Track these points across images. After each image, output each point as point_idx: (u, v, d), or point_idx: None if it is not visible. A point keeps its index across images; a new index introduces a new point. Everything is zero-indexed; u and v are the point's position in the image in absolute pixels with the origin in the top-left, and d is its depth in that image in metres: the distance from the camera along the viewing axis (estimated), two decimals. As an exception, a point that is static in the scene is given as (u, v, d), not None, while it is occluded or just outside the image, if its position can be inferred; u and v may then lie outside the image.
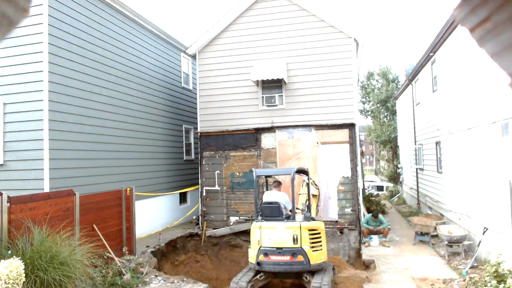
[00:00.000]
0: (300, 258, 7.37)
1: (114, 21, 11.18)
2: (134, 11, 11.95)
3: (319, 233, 7.87)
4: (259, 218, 7.93)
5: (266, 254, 7.44)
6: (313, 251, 7.49)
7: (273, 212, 7.80)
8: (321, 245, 7.79)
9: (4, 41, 8.35)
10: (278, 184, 8.72)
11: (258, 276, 7.68)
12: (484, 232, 8.39)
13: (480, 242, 8.63)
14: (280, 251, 7.41)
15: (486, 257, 8.34)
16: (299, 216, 7.99)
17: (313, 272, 7.53)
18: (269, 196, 8.33)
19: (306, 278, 7.50)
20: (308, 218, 7.88)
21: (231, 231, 12.04)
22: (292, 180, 7.90)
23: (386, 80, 32.74)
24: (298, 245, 7.39)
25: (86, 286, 6.26)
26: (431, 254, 9.80)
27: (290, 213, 7.95)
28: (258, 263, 7.47)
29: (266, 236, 7.52)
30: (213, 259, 12.10)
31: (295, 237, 7.40)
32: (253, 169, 8.91)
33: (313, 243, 7.59)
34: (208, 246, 12.25)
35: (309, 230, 7.61)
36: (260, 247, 7.52)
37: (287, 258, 7.37)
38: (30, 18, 8.47)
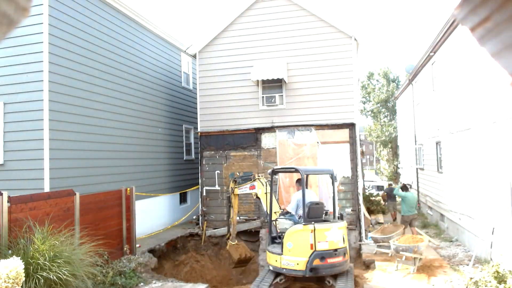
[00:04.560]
0: (347, 257, 7.29)
1: (114, 21, 11.18)
2: (134, 10, 11.95)
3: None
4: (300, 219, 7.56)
5: (322, 258, 7.00)
6: None
7: (319, 213, 7.53)
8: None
9: (4, 41, 8.35)
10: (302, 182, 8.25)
11: (278, 279, 7.38)
12: (492, 232, 8.25)
13: (479, 242, 8.63)
14: (336, 252, 7.13)
15: (487, 257, 8.34)
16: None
17: (335, 276, 7.25)
18: (310, 195, 8.00)
19: (329, 282, 7.19)
20: (342, 217, 7.94)
21: (231, 231, 12.02)
22: (334, 178, 7.91)
23: (386, 80, 32.76)
24: (345, 244, 7.32)
25: (87, 285, 6.26)
26: (431, 254, 9.79)
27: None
28: (312, 269, 6.95)
29: (322, 238, 7.06)
30: (213, 259, 12.10)
31: (343, 236, 7.31)
32: (298, 167, 8.43)
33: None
34: (208, 246, 12.25)
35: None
36: (315, 251, 7.00)
37: (340, 258, 7.14)
38: (30, 18, 8.47)
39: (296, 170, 7.99)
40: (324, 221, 7.47)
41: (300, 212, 7.62)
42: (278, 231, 7.87)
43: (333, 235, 7.15)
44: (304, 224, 7.17)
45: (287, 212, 8.06)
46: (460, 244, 10.45)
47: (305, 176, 7.90)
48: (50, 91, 8.72)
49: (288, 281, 7.59)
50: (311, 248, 6.98)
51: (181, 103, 15.09)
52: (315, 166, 11.33)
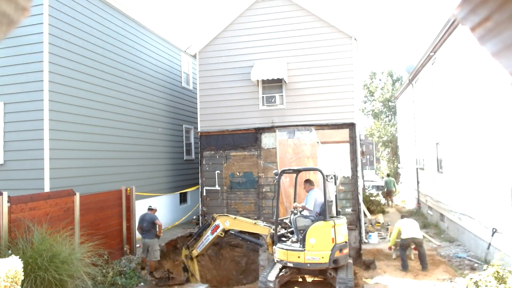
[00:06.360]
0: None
1: (114, 21, 11.18)
2: (135, 10, 11.95)
3: None
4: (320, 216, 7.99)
5: (341, 250, 7.64)
6: None
7: (331, 210, 8.15)
8: None
9: (4, 41, 8.36)
10: (312, 182, 8.55)
11: (284, 272, 7.81)
12: (493, 233, 8.23)
13: (479, 242, 8.63)
14: (346, 243, 7.89)
15: (487, 257, 8.35)
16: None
17: (335, 268, 7.69)
18: (320, 194, 8.26)
19: (331, 274, 7.65)
20: (339, 213, 8.49)
21: (231, 231, 12.03)
22: (336, 177, 8.14)
23: (391, 79, 32.71)
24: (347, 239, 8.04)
25: (87, 285, 6.26)
26: (431, 254, 9.79)
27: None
28: (335, 260, 7.56)
29: (339, 232, 7.70)
30: (213, 259, 12.10)
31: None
32: (319, 168, 8.71)
33: None
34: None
35: None
36: (335, 244, 7.56)
37: (347, 249, 7.88)
38: (30, 18, 8.47)
39: (317, 170, 8.63)
40: (332, 217, 7.97)
41: (318, 209, 8.04)
42: (298, 228, 8.18)
43: (344, 229, 7.85)
44: (325, 221, 7.68)
45: (302, 210, 8.37)
46: (460, 244, 10.45)
47: (321, 176, 8.29)
48: (50, 91, 8.72)
49: (292, 274, 7.98)
50: (333, 241, 7.54)
51: (181, 103, 15.09)
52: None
